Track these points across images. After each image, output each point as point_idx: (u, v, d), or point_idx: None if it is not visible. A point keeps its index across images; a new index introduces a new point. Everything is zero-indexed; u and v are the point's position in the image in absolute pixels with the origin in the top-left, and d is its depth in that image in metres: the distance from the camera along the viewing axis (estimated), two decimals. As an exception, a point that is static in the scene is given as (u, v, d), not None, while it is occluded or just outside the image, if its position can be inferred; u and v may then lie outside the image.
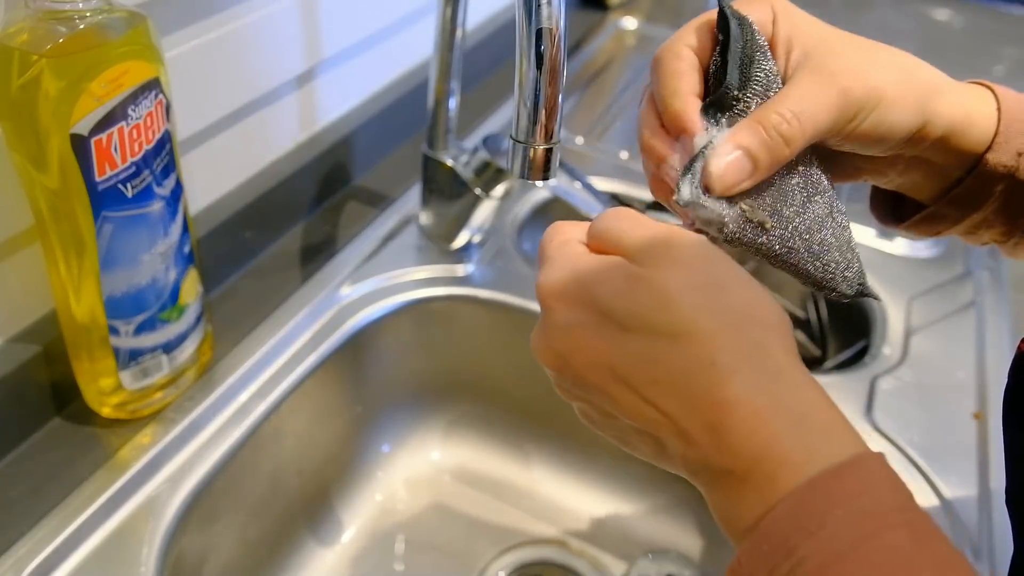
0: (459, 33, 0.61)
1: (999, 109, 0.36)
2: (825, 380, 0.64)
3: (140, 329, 0.49)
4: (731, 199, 0.33)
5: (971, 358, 0.68)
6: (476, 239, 0.71)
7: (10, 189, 0.44)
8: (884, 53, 0.36)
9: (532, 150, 0.46)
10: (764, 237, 0.33)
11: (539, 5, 0.42)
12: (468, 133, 0.88)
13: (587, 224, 0.34)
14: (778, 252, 0.33)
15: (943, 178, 0.38)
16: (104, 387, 0.50)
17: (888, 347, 0.68)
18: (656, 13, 1.26)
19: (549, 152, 0.47)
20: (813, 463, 0.27)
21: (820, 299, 0.79)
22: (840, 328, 0.77)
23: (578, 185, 0.67)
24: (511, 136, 0.47)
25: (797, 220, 0.34)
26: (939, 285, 0.74)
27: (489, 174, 0.64)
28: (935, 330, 0.70)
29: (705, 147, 0.33)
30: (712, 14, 0.35)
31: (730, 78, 0.33)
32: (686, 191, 0.33)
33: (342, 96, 0.76)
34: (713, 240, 0.34)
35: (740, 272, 0.30)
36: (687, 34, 0.35)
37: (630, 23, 1.22)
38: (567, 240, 0.33)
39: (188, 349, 0.53)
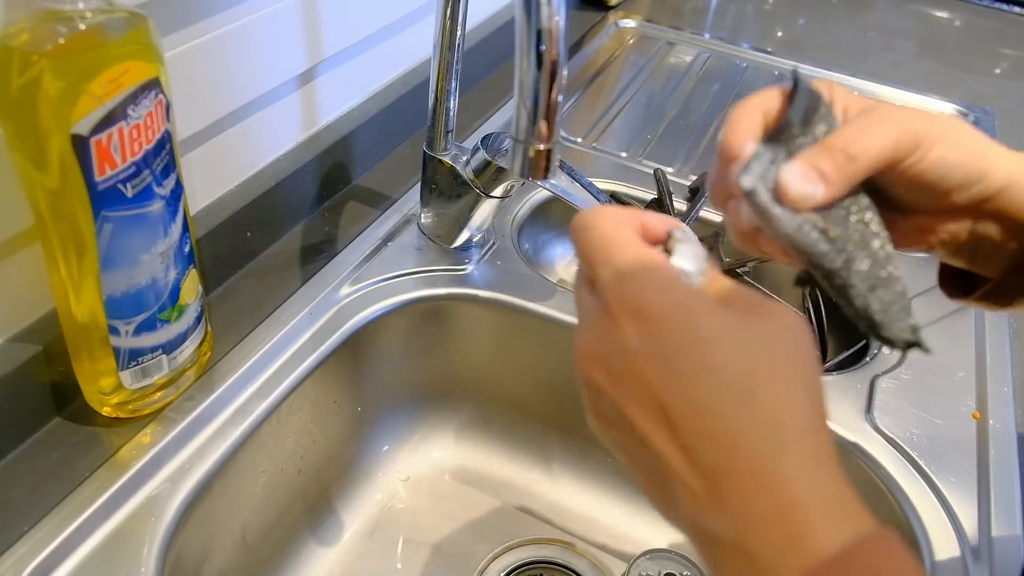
0: (459, 33, 0.61)
1: None
2: (825, 380, 0.64)
3: (140, 329, 0.49)
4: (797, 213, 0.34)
5: (971, 358, 0.68)
6: (476, 239, 0.71)
7: (10, 189, 0.44)
8: (940, 114, 0.37)
9: (532, 149, 0.47)
10: (827, 246, 0.33)
11: (539, 5, 0.42)
12: (468, 133, 0.88)
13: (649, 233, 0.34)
14: (839, 268, 0.33)
15: (1007, 254, 0.38)
16: (104, 387, 0.50)
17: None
18: (656, 13, 1.26)
19: (549, 151, 0.47)
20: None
21: (820, 299, 0.79)
22: (840, 328, 0.77)
23: (578, 185, 0.67)
24: (511, 136, 0.47)
25: (858, 252, 0.34)
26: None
27: (489, 174, 0.64)
28: (935, 330, 0.70)
29: (771, 159, 0.34)
30: (785, 87, 0.37)
31: (792, 115, 0.35)
32: (759, 190, 0.34)
33: (342, 96, 0.76)
34: (779, 250, 0.35)
35: (813, 347, 0.30)
36: (759, 95, 0.37)
37: (630, 23, 1.22)
38: (647, 252, 0.32)
39: (188, 349, 0.53)
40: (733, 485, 0.27)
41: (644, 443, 0.29)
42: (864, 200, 0.35)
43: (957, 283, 0.42)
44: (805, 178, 0.33)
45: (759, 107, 0.36)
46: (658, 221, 0.34)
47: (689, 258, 0.33)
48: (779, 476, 0.26)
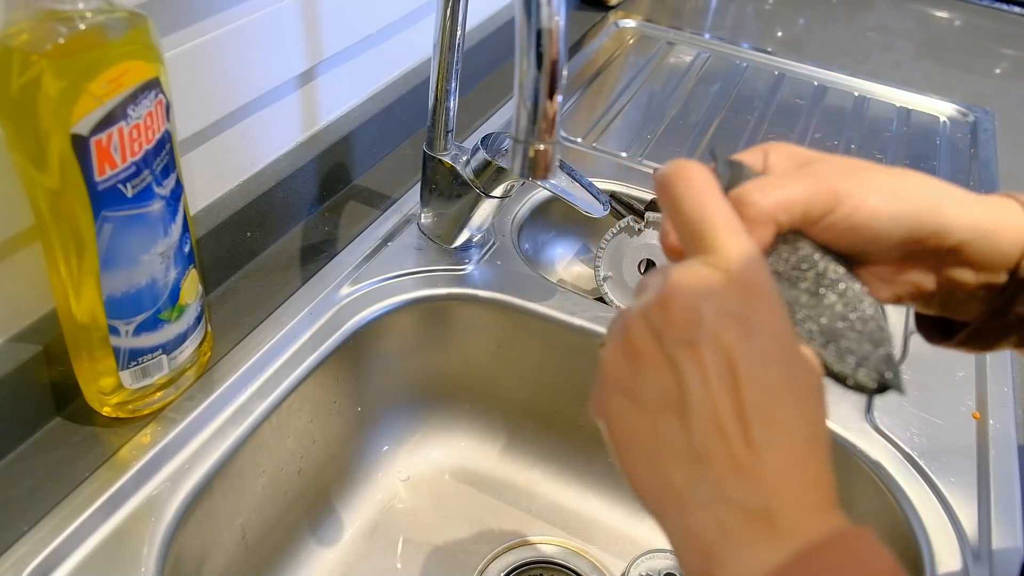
0: (459, 33, 0.61)
1: None
2: (826, 380, 0.64)
3: (140, 329, 0.49)
4: None
5: (971, 358, 0.68)
6: (476, 239, 0.71)
7: (10, 189, 0.44)
8: (890, 169, 0.36)
9: (532, 149, 0.47)
10: None
11: (539, 5, 0.42)
12: (468, 133, 0.88)
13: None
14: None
15: (983, 300, 0.37)
16: (104, 387, 0.50)
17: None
18: (656, 13, 1.26)
19: (549, 151, 0.47)
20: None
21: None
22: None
23: (578, 185, 0.67)
24: (511, 136, 0.47)
25: (806, 308, 0.34)
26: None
27: (489, 174, 0.64)
28: (935, 330, 0.70)
29: None
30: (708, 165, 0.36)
31: None
32: None
33: (342, 96, 0.76)
34: None
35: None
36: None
37: (630, 23, 1.22)
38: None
39: (188, 349, 0.53)
40: (773, 460, 0.29)
41: (703, 395, 0.30)
42: (814, 255, 0.34)
43: (935, 325, 0.41)
44: None
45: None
46: None
47: None
48: (811, 464, 0.30)
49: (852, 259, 0.36)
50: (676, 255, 0.35)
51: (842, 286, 0.34)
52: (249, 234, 0.66)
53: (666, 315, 0.31)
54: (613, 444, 0.33)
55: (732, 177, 0.35)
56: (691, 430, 0.30)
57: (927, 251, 0.35)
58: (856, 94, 1.11)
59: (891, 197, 0.34)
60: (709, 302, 0.30)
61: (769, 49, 1.18)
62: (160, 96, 0.45)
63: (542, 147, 0.46)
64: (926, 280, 0.37)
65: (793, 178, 0.34)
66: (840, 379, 0.34)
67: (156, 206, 0.46)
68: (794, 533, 0.28)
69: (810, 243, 0.34)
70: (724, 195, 0.34)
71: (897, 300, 0.38)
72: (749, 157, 0.36)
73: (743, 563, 0.28)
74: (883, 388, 0.34)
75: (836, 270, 0.34)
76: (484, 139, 0.64)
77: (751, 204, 0.33)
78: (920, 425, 0.61)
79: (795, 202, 0.33)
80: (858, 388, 0.34)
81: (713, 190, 0.33)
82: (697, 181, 0.33)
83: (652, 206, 0.79)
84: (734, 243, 0.31)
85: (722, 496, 0.29)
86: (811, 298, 0.34)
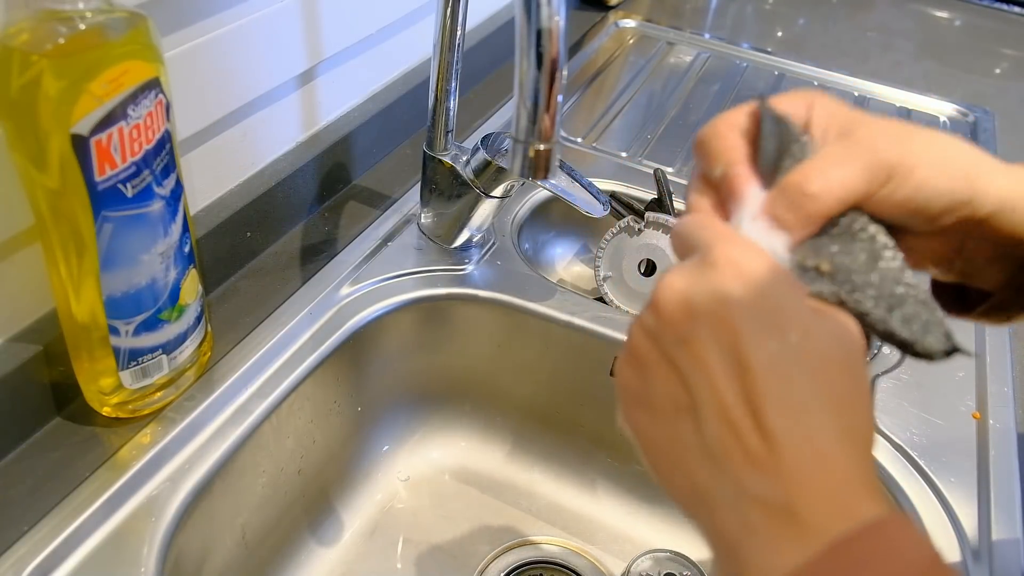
0: (459, 33, 0.61)
1: None
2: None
3: (140, 329, 0.49)
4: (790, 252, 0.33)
5: (971, 358, 0.68)
6: (476, 239, 0.71)
7: (10, 189, 0.44)
8: (927, 132, 0.35)
9: (532, 149, 0.47)
10: (826, 283, 0.32)
11: (539, 5, 0.42)
12: (468, 133, 0.88)
13: None
14: (845, 299, 0.32)
15: (1006, 267, 0.37)
16: (104, 387, 0.50)
17: (888, 347, 0.68)
18: (656, 13, 1.26)
19: (549, 151, 0.47)
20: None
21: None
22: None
23: (578, 185, 0.67)
24: (511, 136, 0.47)
25: (864, 274, 0.33)
26: (939, 285, 0.74)
27: (489, 174, 0.64)
28: (935, 330, 0.70)
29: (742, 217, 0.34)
30: (754, 106, 0.35)
31: (764, 151, 0.34)
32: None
33: (342, 96, 0.76)
34: None
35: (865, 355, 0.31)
36: (731, 116, 0.35)
37: (630, 23, 1.22)
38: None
39: (188, 349, 0.53)
40: (793, 452, 0.28)
41: (708, 391, 0.29)
42: (869, 224, 0.33)
43: (949, 295, 0.40)
44: (767, 232, 0.32)
45: (734, 127, 0.35)
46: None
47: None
48: (838, 450, 0.28)
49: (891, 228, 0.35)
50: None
51: (894, 253, 0.33)
52: (249, 234, 0.66)
53: (659, 317, 0.31)
54: (641, 454, 0.33)
55: (781, 140, 0.34)
56: (704, 429, 0.29)
57: (958, 220, 0.34)
58: (856, 94, 1.11)
59: (936, 169, 0.33)
60: (700, 291, 0.30)
61: (769, 49, 1.18)
62: (160, 96, 0.45)
63: (542, 147, 0.46)
64: (948, 247, 0.36)
65: (847, 161, 0.33)
66: (905, 346, 0.32)
67: (156, 206, 0.46)
68: (820, 529, 0.27)
69: (859, 210, 0.34)
70: (771, 161, 0.33)
71: (917, 266, 0.37)
72: (792, 106, 0.35)
73: (769, 562, 0.27)
74: (949, 352, 0.32)
75: (887, 240, 0.33)
76: (484, 139, 0.64)
77: (812, 199, 0.32)
78: (920, 425, 0.61)
79: (854, 192, 0.32)
80: (925, 354, 0.32)
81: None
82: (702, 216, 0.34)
83: (652, 206, 0.79)
84: (707, 235, 0.31)
85: (743, 493, 0.28)
86: (868, 261, 0.33)
